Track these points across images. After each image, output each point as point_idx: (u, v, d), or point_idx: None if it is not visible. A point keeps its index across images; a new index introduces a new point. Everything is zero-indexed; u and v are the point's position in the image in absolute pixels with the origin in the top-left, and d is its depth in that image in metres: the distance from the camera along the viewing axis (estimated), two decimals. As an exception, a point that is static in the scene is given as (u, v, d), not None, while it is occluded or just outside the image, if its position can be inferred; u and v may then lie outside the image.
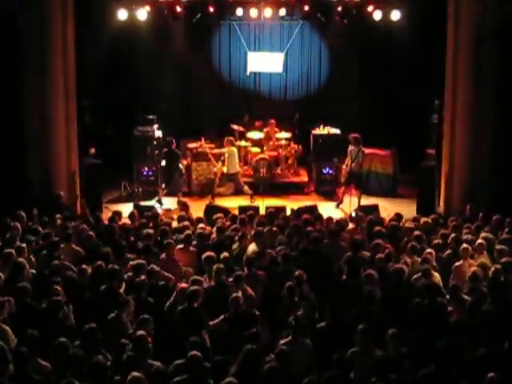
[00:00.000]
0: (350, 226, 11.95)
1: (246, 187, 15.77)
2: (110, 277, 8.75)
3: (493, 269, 9.13)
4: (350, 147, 15.22)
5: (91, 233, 10.76)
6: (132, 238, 10.91)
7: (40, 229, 10.86)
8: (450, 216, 12.72)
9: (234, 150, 15.74)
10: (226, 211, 13.03)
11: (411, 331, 7.25)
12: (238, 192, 16.01)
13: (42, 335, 7.11)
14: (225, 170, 15.69)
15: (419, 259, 9.76)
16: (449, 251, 10.20)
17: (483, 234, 10.74)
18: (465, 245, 10.01)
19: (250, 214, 11.97)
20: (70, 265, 9.41)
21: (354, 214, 13.43)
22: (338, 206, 15.40)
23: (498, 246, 10.06)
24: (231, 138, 16.00)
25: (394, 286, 8.86)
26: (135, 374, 6.27)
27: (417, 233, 10.76)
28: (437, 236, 10.95)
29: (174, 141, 15.61)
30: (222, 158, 15.78)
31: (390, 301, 8.48)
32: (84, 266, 9.23)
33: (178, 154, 15.76)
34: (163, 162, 15.74)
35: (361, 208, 14.03)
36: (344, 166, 15.42)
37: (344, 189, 15.35)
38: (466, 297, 8.58)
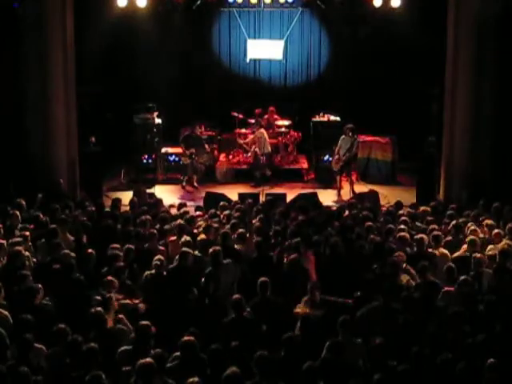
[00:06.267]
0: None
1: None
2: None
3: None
4: (343, 137, 15.26)
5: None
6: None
7: (42, 216, 10.83)
8: (448, 204, 12.75)
9: (263, 131, 16.19)
10: (226, 199, 13.03)
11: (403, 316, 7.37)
12: (238, 178, 16.27)
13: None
14: (258, 151, 16.01)
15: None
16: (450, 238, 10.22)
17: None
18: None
19: (249, 202, 12.02)
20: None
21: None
22: (338, 194, 15.36)
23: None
24: (260, 120, 16.49)
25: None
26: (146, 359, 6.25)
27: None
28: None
29: (198, 127, 16.25)
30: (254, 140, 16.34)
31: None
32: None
33: (202, 139, 16.24)
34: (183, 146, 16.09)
35: (360, 195, 14.04)
36: (336, 156, 15.41)
37: (340, 177, 15.43)
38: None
